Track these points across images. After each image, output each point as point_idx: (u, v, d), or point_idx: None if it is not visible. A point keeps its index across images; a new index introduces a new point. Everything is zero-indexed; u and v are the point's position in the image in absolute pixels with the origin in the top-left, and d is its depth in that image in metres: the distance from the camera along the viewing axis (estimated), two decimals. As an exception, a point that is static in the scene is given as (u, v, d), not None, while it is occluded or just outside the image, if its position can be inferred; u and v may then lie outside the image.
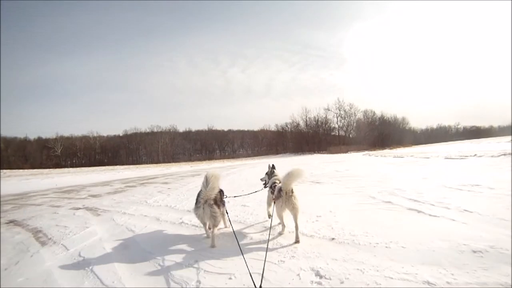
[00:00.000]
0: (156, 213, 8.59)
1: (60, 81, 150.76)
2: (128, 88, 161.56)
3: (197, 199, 5.35)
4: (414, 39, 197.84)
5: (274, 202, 5.36)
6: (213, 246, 5.08)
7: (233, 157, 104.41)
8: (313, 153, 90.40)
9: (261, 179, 7.11)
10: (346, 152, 78.21)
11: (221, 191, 5.70)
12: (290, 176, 5.14)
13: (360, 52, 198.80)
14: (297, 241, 4.99)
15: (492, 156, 17.40)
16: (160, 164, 74.57)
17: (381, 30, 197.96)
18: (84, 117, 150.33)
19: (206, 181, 5.18)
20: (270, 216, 5.95)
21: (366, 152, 61.86)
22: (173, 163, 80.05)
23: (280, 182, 5.60)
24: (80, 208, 10.54)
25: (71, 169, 69.66)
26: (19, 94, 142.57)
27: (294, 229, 5.19)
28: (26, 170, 61.27)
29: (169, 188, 14.98)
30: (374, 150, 75.53)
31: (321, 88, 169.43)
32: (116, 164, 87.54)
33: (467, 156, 19.46)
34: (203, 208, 5.13)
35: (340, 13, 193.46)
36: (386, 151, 55.82)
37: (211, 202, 5.13)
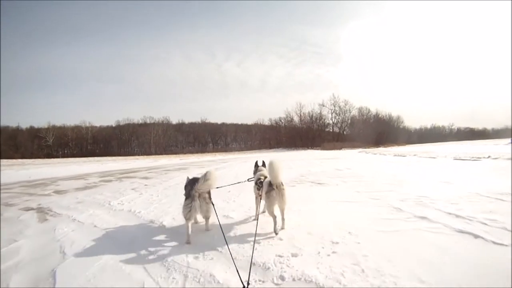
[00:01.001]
0: (110, 223, 6.58)
1: (54, 71, 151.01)
2: (122, 80, 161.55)
3: (189, 192, 5.18)
4: (411, 38, 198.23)
5: (263, 197, 5.33)
6: (207, 229, 5.41)
7: (225, 151, 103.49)
8: (306, 148, 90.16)
9: (248, 180, 6.51)
10: (340, 149, 78.55)
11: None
12: (275, 168, 5.04)
13: (357, 50, 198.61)
14: (282, 228, 5.16)
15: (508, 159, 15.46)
16: (150, 156, 72.81)
17: (378, 29, 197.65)
18: (77, 107, 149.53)
19: (206, 176, 5.12)
20: (257, 217, 5.39)
21: (361, 149, 60.84)
22: (165, 155, 78.66)
23: (265, 178, 5.52)
24: (31, 209, 8.79)
25: (58, 159, 67.77)
26: (12, 83, 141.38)
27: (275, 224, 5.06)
28: (10, 160, 58.82)
29: (146, 185, 12.95)
30: (368, 147, 75.44)
31: (317, 84, 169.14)
32: (107, 155, 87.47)
33: (480, 158, 17.50)
34: (199, 201, 5.08)
35: (337, 11, 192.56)
36: (381, 149, 54.98)
37: (206, 196, 5.18)
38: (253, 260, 3.88)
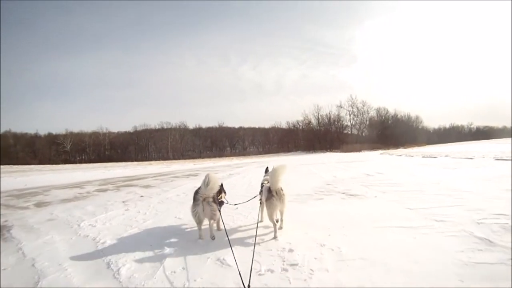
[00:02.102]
0: (53, 261, 4.52)
1: (71, 79, 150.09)
2: (138, 85, 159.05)
3: (195, 197, 5.21)
4: (426, 36, 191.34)
5: (263, 203, 5.47)
6: (218, 229, 5.53)
7: (243, 155, 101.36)
8: (325, 151, 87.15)
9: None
10: (359, 151, 75.53)
11: (221, 189, 5.89)
12: (275, 174, 5.04)
13: (371, 49, 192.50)
14: (280, 228, 5.24)
15: None
16: (165, 162, 70.69)
17: (393, 28, 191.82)
18: (94, 114, 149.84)
19: (207, 181, 5.05)
20: (261, 221, 5.63)
21: (383, 151, 58.06)
22: (182, 160, 76.89)
23: (268, 183, 5.38)
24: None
25: (70, 165, 66.42)
26: (30, 91, 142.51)
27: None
28: (21, 166, 57.90)
29: (142, 196, 10.95)
30: (388, 149, 73.73)
31: (332, 85, 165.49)
32: (124, 161, 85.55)
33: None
34: (202, 205, 5.06)
35: (351, 11, 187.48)
36: (403, 150, 52.57)
37: (210, 200, 5.12)
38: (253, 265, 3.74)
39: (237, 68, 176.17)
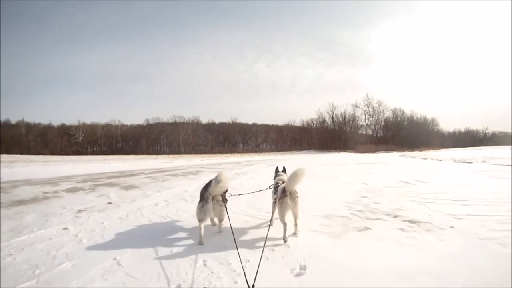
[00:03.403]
0: None
1: (85, 70, 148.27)
2: (152, 79, 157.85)
3: (203, 194, 5.00)
4: (444, 39, 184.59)
5: (276, 202, 5.03)
6: (220, 231, 5.24)
7: (256, 151, 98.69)
8: (339, 151, 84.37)
9: (269, 187, 5.95)
10: (374, 152, 73.02)
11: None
12: (295, 176, 4.80)
13: (388, 51, 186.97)
14: (295, 234, 4.93)
15: None
16: (171, 156, 68.57)
17: (410, 29, 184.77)
18: (107, 106, 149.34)
19: (219, 179, 4.90)
20: (272, 223, 5.42)
21: (401, 153, 54.96)
22: (193, 155, 75.13)
23: (283, 183, 5.29)
24: None
25: (75, 156, 66.19)
26: (45, 82, 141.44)
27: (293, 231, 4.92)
28: (28, 156, 57.02)
29: (109, 203, 8.23)
30: (403, 151, 71.49)
31: (347, 86, 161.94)
32: (135, 154, 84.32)
33: None
34: (212, 203, 4.91)
35: (368, 11, 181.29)
36: (418, 153, 50.48)
37: (219, 198, 5.05)
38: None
39: (253, 65, 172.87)
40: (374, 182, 11.17)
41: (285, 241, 4.61)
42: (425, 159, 28.78)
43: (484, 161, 20.29)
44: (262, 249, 4.04)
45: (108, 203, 8.12)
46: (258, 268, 3.36)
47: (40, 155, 63.37)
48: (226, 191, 5.45)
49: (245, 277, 3.21)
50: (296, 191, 4.87)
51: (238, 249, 3.95)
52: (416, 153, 53.04)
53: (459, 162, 21.73)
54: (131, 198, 8.88)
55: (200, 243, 4.65)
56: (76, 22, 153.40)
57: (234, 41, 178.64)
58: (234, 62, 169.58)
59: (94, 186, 12.11)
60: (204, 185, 5.22)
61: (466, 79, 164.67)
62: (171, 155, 73.54)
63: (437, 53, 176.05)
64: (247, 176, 15.00)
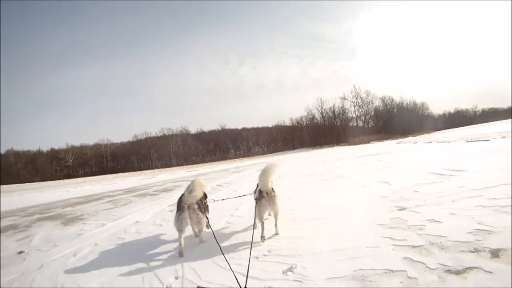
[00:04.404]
0: None
1: (69, 91, 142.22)
2: (136, 93, 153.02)
3: (179, 205, 4.86)
4: (426, 22, 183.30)
5: (256, 204, 4.93)
6: (201, 241, 5.04)
7: (248, 156, 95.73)
8: (332, 145, 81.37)
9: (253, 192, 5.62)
10: (368, 142, 70.47)
11: (204, 195, 5.33)
12: (263, 174, 4.82)
13: (370, 40, 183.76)
14: (276, 233, 4.90)
15: None
16: (157, 170, 65.19)
17: (390, 17, 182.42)
18: (95, 126, 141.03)
19: (191, 188, 4.77)
20: (256, 226, 4.93)
21: (399, 140, 52.61)
22: (182, 166, 71.98)
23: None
24: None
25: (59, 181, 61.97)
26: (29, 107, 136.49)
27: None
28: (13, 185, 53.23)
29: (19, 253, 5.89)
30: (396, 138, 68.88)
31: (334, 80, 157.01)
32: (127, 171, 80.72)
33: None
34: (189, 212, 4.76)
35: (348, 2, 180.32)
36: (412, 138, 48.96)
37: (195, 207, 4.86)
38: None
39: (237, 69, 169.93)
40: (396, 179, 8.10)
41: (262, 241, 4.64)
42: (429, 142, 25.66)
43: (504, 137, 17.36)
44: (249, 251, 3.79)
45: (18, 253, 5.94)
46: (248, 269, 3.25)
47: (29, 183, 60.13)
48: (206, 197, 5.34)
49: (236, 279, 3.06)
50: (273, 189, 4.81)
51: (224, 254, 3.80)
52: (411, 138, 51.05)
53: (473, 141, 18.71)
54: (54, 242, 6.57)
55: (181, 255, 4.52)
56: (58, 44, 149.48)
57: (216, 47, 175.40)
58: (219, 68, 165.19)
59: (36, 220, 9.92)
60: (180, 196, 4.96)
61: (451, 59, 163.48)
62: (161, 169, 70.50)
63: (419, 36, 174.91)
64: (229, 188, 11.94)
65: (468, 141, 19.16)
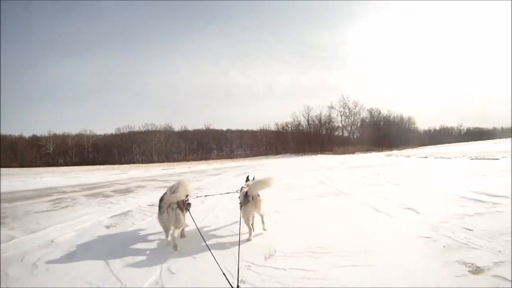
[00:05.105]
0: None
1: (57, 81, 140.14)
2: (123, 88, 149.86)
3: (160, 204, 4.73)
4: (417, 38, 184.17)
5: (241, 208, 4.81)
6: (174, 247, 4.47)
7: (230, 157, 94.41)
8: (316, 153, 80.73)
9: (237, 191, 5.58)
10: (352, 152, 69.99)
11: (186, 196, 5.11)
12: (260, 183, 4.79)
13: (362, 51, 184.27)
14: (264, 230, 4.92)
15: None
16: (133, 165, 62.74)
17: (382, 30, 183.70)
18: (79, 116, 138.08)
19: (174, 189, 4.65)
20: (240, 223, 4.75)
21: (387, 152, 51.29)
22: (165, 163, 71.14)
23: (247, 187, 4.96)
24: None
25: (38, 169, 58.38)
26: (16, 93, 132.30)
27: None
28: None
29: None
30: (382, 150, 69.08)
31: (323, 89, 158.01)
32: (107, 163, 79.30)
33: None
34: (167, 212, 4.50)
35: (341, 13, 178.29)
36: (400, 152, 47.80)
37: (174, 206, 4.55)
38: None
39: (227, 71, 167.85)
40: (420, 203, 5.92)
41: (248, 240, 4.55)
42: (426, 157, 23.81)
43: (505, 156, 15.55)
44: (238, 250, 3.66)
45: None
46: (238, 268, 3.12)
47: (8, 168, 55.85)
48: (187, 197, 4.98)
49: (226, 278, 2.87)
50: (258, 194, 4.78)
51: (212, 252, 3.65)
52: (397, 152, 49.96)
53: (478, 158, 16.78)
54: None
55: (175, 249, 4.36)
56: (47, 35, 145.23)
57: (207, 48, 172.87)
58: (207, 69, 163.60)
59: None
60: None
61: (440, 77, 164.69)
62: (139, 164, 67.93)
63: (411, 51, 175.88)
64: (199, 198, 9.41)
65: (472, 159, 17.32)
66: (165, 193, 4.68)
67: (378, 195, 7.30)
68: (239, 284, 2.86)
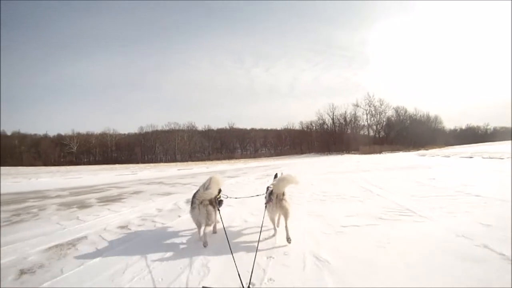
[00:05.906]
0: None
1: (80, 80, 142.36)
2: (146, 86, 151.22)
3: (192, 200, 4.71)
4: (440, 38, 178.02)
5: (266, 206, 4.70)
6: (205, 243, 4.45)
7: (254, 157, 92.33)
8: (342, 153, 77.24)
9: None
10: (379, 152, 66.68)
11: (219, 191, 5.07)
12: (282, 181, 4.48)
13: (385, 50, 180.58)
14: (288, 240, 4.27)
15: None
16: (149, 164, 60.65)
17: (408, 28, 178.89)
18: (102, 115, 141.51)
19: (207, 185, 4.56)
20: (262, 224, 4.70)
21: (419, 151, 48.58)
22: (189, 162, 67.95)
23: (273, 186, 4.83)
24: None
25: (59, 167, 57.18)
26: (40, 93, 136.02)
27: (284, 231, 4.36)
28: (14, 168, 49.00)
29: None
30: (408, 150, 68.10)
31: (345, 87, 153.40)
32: (130, 163, 78.69)
33: None
34: (199, 208, 4.53)
35: (363, 12, 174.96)
36: (424, 151, 46.70)
37: (206, 203, 4.59)
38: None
39: (250, 70, 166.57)
40: None
41: (273, 236, 4.55)
42: (471, 157, 20.64)
43: None
44: (255, 250, 3.67)
45: None
46: (252, 269, 3.13)
47: (31, 167, 55.31)
48: (219, 193, 5.02)
49: (239, 278, 2.95)
50: (284, 193, 4.47)
51: (232, 251, 3.64)
52: (426, 151, 47.80)
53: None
54: None
55: (205, 245, 4.36)
56: (71, 32, 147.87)
57: (231, 46, 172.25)
58: (232, 67, 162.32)
59: None
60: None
61: (466, 75, 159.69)
62: (164, 164, 66.20)
63: (436, 50, 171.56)
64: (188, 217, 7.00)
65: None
66: (198, 190, 4.58)
67: (476, 219, 4.51)
68: (250, 285, 2.86)
